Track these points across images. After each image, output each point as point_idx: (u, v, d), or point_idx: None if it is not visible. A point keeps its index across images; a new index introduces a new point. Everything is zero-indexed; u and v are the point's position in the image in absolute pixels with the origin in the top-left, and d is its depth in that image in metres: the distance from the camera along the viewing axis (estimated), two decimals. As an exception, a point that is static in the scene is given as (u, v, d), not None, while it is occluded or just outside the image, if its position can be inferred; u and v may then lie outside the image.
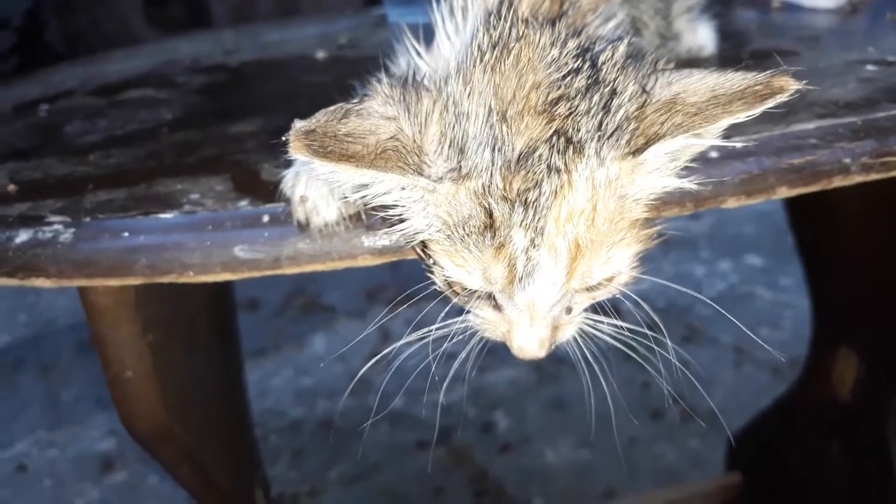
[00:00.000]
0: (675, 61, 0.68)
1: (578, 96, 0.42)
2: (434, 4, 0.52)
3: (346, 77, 0.57)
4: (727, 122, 0.40)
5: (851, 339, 1.25)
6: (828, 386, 1.29)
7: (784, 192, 0.48)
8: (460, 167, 0.41)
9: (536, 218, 0.41)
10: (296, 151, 0.39)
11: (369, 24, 1.09)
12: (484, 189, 0.41)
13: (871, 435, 1.23)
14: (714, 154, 0.48)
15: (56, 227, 0.48)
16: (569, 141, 0.41)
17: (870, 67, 0.64)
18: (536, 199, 0.41)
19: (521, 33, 0.44)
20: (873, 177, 0.50)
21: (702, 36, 0.71)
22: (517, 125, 0.41)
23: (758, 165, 0.48)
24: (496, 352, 2.08)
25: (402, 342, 0.53)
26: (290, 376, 2.18)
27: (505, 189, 0.41)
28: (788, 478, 1.45)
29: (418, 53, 0.50)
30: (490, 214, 0.41)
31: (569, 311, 0.47)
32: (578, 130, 0.41)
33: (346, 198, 0.45)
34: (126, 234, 0.47)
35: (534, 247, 0.42)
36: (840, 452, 1.31)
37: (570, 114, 0.42)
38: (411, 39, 0.51)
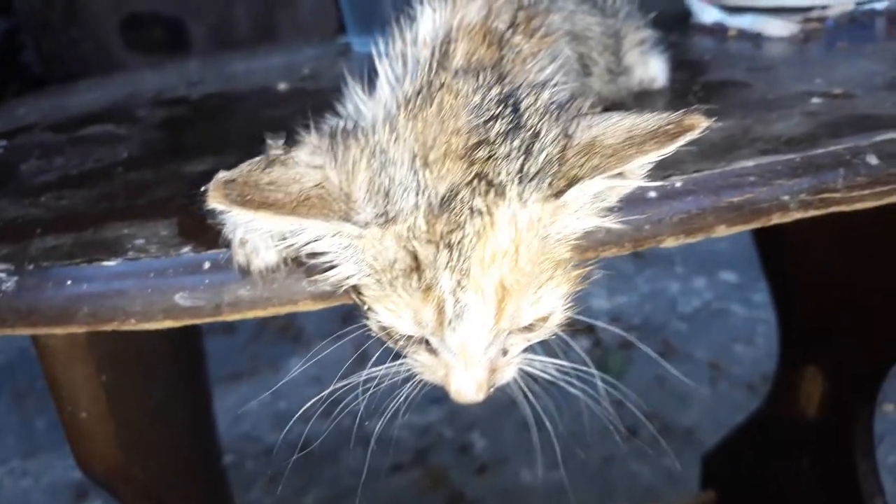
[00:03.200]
0: (626, 93, 0.69)
1: (498, 140, 0.43)
2: (379, 51, 0.52)
3: (304, 111, 0.58)
4: (641, 161, 0.41)
5: (817, 358, 1.26)
6: (796, 404, 1.30)
7: (723, 231, 0.49)
8: (386, 212, 0.42)
9: (461, 259, 0.42)
10: (213, 201, 0.39)
11: (334, 53, 1.10)
12: (409, 233, 0.42)
13: (839, 452, 1.24)
14: (653, 194, 0.49)
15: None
16: (490, 184, 0.42)
17: (815, 100, 0.66)
18: (460, 241, 0.42)
19: (442, 82, 0.45)
20: (812, 213, 0.51)
21: (653, 68, 0.72)
22: (439, 170, 0.42)
23: (696, 205, 0.49)
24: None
25: (332, 387, 0.53)
26: (267, 400, 2.17)
27: (429, 232, 0.42)
28: (762, 495, 1.46)
29: (361, 99, 0.51)
30: (415, 257, 0.42)
31: (505, 352, 0.48)
32: (499, 174, 0.42)
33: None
34: (69, 282, 0.47)
35: (461, 288, 0.42)
36: (810, 469, 1.32)
37: (491, 157, 0.42)
38: (355, 87, 0.51)
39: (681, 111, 0.41)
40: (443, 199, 0.42)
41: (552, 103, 0.45)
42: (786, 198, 0.50)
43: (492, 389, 0.48)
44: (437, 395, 2.03)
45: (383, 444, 1.98)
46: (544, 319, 0.47)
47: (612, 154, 0.41)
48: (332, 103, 0.58)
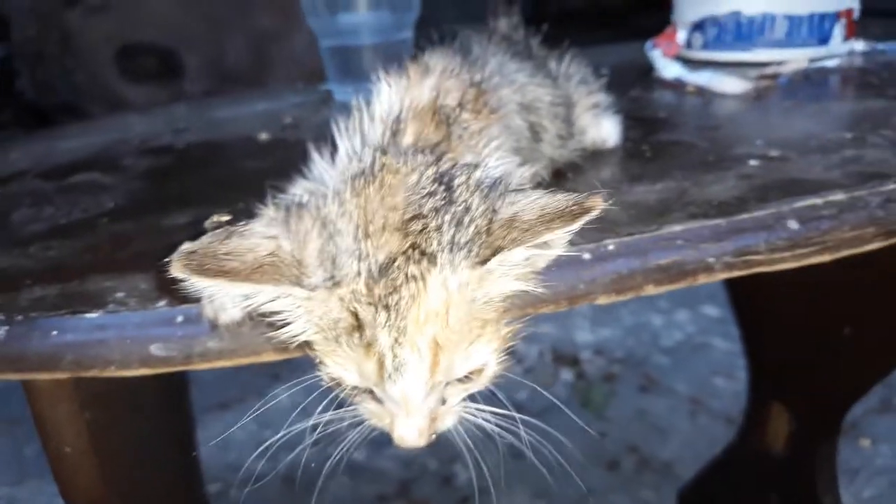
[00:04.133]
0: (577, 155, 0.74)
1: (431, 215, 0.48)
2: (339, 127, 0.58)
3: (282, 162, 0.63)
4: (550, 236, 0.46)
5: (783, 395, 1.31)
6: (764, 440, 1.35)
7: (652, 290, 0.54)
8: (333, 276, 0.47)
9: (398, 319, 0.47)
10: (175, 271, 0.45)
11: (317, 101, 1.15)
12: (352, 295, 0.47)
13: (804, 488, 1.28)
14: (587, 256, 0.54)
15: (-8, 324, 0.52)
16: (423, 253, 0.47)
17: (752, 162, 0.71)
18: (397, 303, 0.47)
19: (383, 164, 0.50)
20: (736, 274, 0.56)
21: (605, 130, 0.77)
22: (378, 240, 0.47)
23: (626, 266, 0.53)
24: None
25: (283, 433, 0.58)
26: (254, 429, 2.19)
27: (369, 294, 0.47)
28: (734, 529, 1.50)
29: (324, 168, 0.56)
30: (357, 317, 0.47)
31: (444, 402, 0.52)
32: (431, 244, 0.47)
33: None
34: (55, 332, 0.51)
35: (398, 344, 0.47)
36: (778, 504, 1.36)
37: (424, 230, 0.48)
38: (318, 158, 0.56)
39: (584, 194, 0.47)
40: (381, 266, 0.47)
41: (483, 181, 0.50)
42: (711, 260, 0.55)
43: (433, 436, 0.52)
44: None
45: (369, 474, 2.01)
46: (479, 372, 0.51)
47: (527, 229, 0.46)
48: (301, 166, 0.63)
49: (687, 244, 0.55)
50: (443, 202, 0.49)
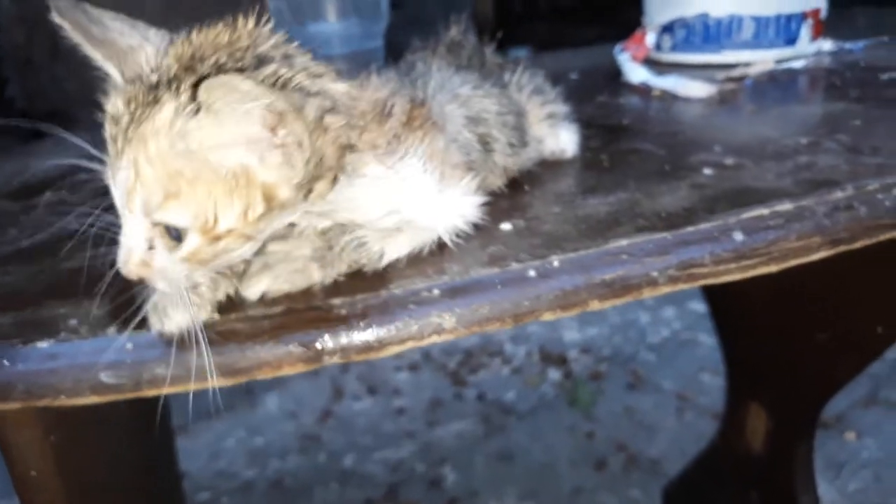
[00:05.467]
0: (532, 162, 0.75)
1: (228, 64, 0.51)
2: None
3: None
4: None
5: (760, 396, 1.32)
6: (743, 439, 1.36)
7: (597, 305, 0.54)
8: (125, 76, 0.53)
9: (131, 131, 0.50)
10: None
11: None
12: (125, 96, 0.52)
13: (783, 486, 1.29)
14: (532, 273, 0.54)
15: (-61, 357, 0.52)
16: (179, 84, 0.49)
17: (707, 171, 0.71)
18: (139, 118, 0.50)
19: None
20: (681, 286, 0.57)
21: (563, 140, 0.78)
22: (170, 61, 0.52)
23: (571, 282, 0.54)
24: (443, 404, 2.15)
25: None
26: (243, 436, 2.21)
27: (133, 101, 0.51)
28: (718, 526, 1.51)
29: None
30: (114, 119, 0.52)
31: (151, 247, 0.52)
32: (188, 80, 0.49)
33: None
34: (6, 362, 0.52)
35: (120, 154, 0.50)
36: (758, 502, 1.37)
37: (199, 71, 0.50)
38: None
39: None
40: (152, 84, 0.51)
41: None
42: (655, 274, 0.56)
43: (144, 276, 0.52)
44: (411, 430, 2.10)
45: (357, 478, 2.02)
46: (179, 233, 0.51)
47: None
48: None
49: (631, 258, 0.56)
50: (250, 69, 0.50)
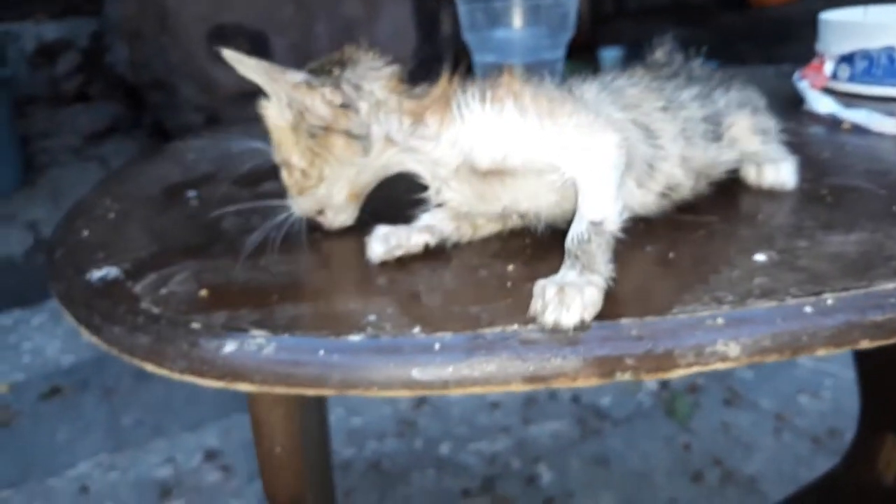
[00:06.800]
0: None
1: None
2: None
3: None
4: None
5: (898, 427, 1.32)
6: (873, 470, 1.36)
7: (867, 344, 0.57)
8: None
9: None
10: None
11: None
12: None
13: (913, 521, 1.29)
14: (808, 309, 0.57)
15: (259, 340, 0.57)
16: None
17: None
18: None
19: None
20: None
21: (784, 174, 0.80)
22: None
23: (846, 322, 0.56)
24: (538, 402, 2.18)
25: None
26: (342, 415, 2.27)
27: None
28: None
29: None
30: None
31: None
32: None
33: None
34: (321, 352, 0.55)
35: None
36: (882, 535, 1.37)
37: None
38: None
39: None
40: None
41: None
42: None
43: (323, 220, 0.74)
44: (506, 424, 2.13)
45: (453, 467, 2.06)
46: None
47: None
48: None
49: (898, 302, 0.58)
50: None
